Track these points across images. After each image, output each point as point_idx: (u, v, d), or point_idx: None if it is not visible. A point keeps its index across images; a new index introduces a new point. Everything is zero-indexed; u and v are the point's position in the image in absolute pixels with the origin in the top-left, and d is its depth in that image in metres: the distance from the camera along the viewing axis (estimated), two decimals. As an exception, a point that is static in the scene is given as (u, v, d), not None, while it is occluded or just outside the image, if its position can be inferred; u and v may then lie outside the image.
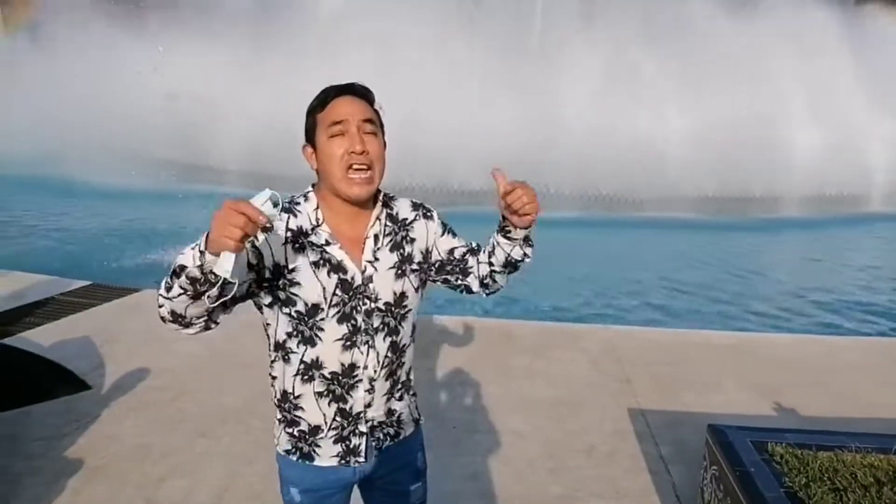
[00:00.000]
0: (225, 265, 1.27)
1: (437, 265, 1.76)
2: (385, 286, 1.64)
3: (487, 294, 1.80)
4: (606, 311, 6.37)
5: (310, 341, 1.61)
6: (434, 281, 1.80)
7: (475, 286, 1.77)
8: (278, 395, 1.69)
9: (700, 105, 11.51)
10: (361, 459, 1.70)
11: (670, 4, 13.69)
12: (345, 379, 1.64)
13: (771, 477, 2.26)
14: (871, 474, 2.24)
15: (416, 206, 1.75)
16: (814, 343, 5.32)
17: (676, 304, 6.68)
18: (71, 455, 3.32)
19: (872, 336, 5.87)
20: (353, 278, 1.60)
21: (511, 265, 1.70)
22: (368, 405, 1.68)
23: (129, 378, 4.13)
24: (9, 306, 5.22)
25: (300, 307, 1.58)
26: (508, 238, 1.65)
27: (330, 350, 1.61)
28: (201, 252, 1.30)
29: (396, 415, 1.76)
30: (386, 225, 1.68)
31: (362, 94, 1.63)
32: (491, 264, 1.72)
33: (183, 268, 1.32)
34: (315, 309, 1.58)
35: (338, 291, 1.59)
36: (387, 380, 1.69)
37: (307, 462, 1.70)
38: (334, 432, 1.67)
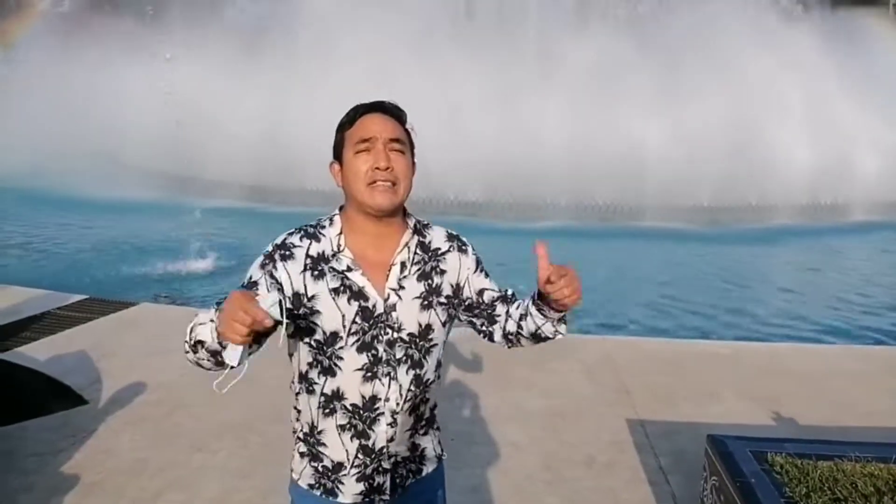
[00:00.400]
0: (232, 355, 1.32)
1: (466, 303, 1.68)
2: (409, 316, 1.57)
3: (509, 348, 1.74)
4: (603, 321, 6.37)
5: (329, 371, 1.57)
6: (461, 320, 1.73)
7: (497, 337, 1.70)
8: (305, 429, 1.65)
9: (694, 114, 11.57)
10: (386, 497, 1.64)
11: (664, 15, 13.82)
12: (366, 412, 1.58)
13: (771, 487, 2.26)
14: (871, 483, 2.24)
15: (451, 238, 1.69)
16: (811, 352, 5.33)
17: (673, 314, 6.69)
18: (67, 470, 3.29)
19: (870, 345, 5.87)
20: (374, 306, 1.54)
21: (539, 338, 1.63)
22: (391, 440, 1.62)
23: (126, 392, 4.12)
24: (5, 321, 5.20)
25: (318, 336, 1.54)
26: (542, 314, 1.57)
27: (350, 380, 1.56)
28: (218, 332, 1.33)
29: (420, 450, 1.70)
30: (415, 253, 1.61)
31: (393, 112, 1.60)
32: (519, 327, 1.64)
33: (202, 342, 1.38)
34: (334, 337, 1.54)
35: (357, 319, 1.53)
36: (410, 414, 1.63)
37: (330, 498, 1.64)
38: (357, 470, 1.62)
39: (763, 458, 2.43)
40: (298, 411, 1.66)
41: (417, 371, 1.61)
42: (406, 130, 1.61)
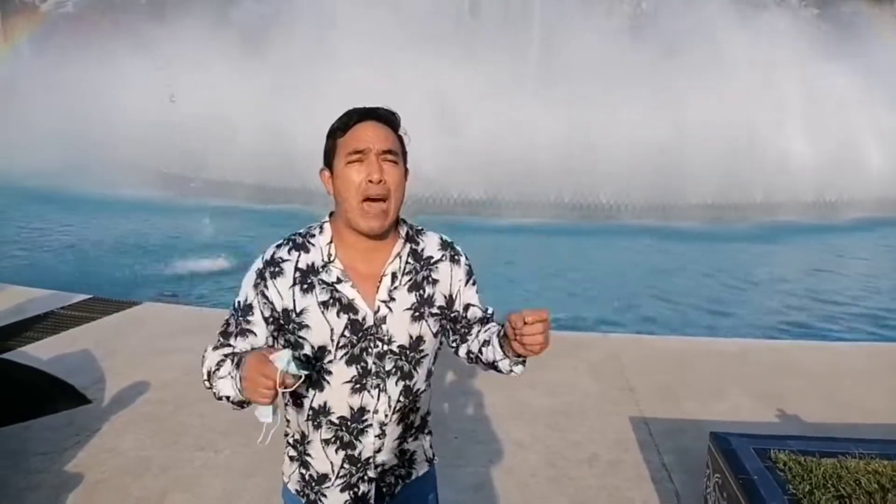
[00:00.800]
0: (265, 413, 1.38)
1: (453, 315, 1.66)
2: (400, 328, 1.55)
3: (467, 363, 1.71)
4: (608, 319, 6.36)
5: (318, 385, 1.54)
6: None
7: (461, 352, 1.69)
8: (296, 436, 1.65)
9: (698, 112, 11.54)
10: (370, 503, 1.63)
11: (666, 12, 13.79)
12: (353, 424, 1.56)
13: (774, 484, 2.25)
14: (875, 480, 2.23)
15: (444, 246, 1.65)
16: (816, 349, 5.30)
17: (678, 312, 6.67)
18: (71, 469, 3.30)
19: (875, 342, 5.85)
20: (364, 318, 1.52)
21: (495, 369, 1.60)
22: (378, 450, 1.60)
23: (130, 391, 4.12)
24: (9, 321, 5.22)
25: (307, 350, 1.52)
26: (503, 351, 1.54)
27: (338, 393, 1.54)
28: (240, 390, 1.40)
29: (408, 455, 1.68)
30: (407, 262, 1.58)
31: (386, 119, 1.55)
32: (480, 352, 1.62)
33: (227, 397, 1.48)
34: (322, 351, 1.52)
35: (346, 332, 1.51)
36: (399, 424, 1.61)
37: None
38: (342, 480, 1.60)
39: (766, 455, 2.42)
40: (288, 421, 1.66)
41: (407, 382, 1.59)
42: (399, 137, 1.57)
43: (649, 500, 3.16)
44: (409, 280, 1.57)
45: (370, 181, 1.47)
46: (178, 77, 10.99)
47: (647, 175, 10.56)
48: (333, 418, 1.56)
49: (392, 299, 1.54)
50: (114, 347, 4.79)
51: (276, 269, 1.53)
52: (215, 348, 1.57)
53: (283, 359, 1.30)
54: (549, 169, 10.61)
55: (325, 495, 1.61)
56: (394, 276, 1.55)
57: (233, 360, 1.45)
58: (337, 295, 1.51)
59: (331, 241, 1.55)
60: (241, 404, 1.48)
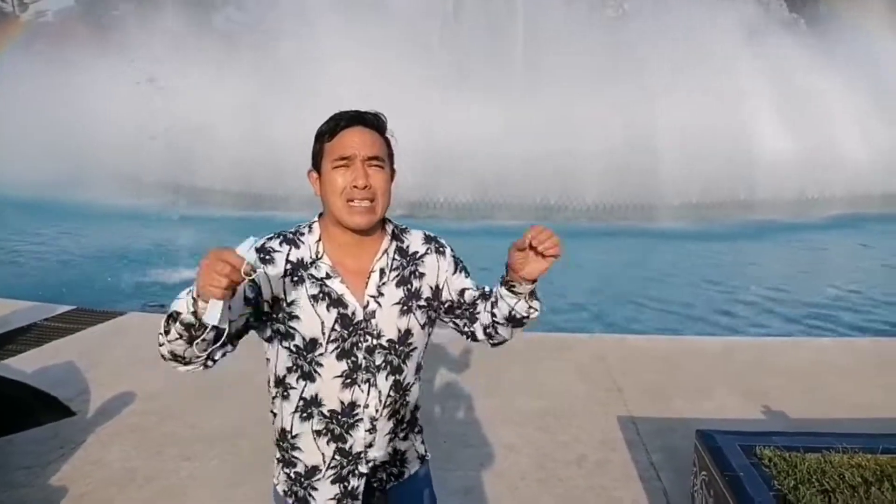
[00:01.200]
0: (213, 312, 1.29)
1: (446, 305, 1.69)
2: (389, 323, 1.58)
3: (492, 345, 1.72)
4: (594, 320, 6.38)
5: (309, 377, 1.57)
6: (444, 322, 1.73)
7: (479, 334, 1.70)
8: (277, 434, 1.66)
9: (681, 113, 11.63)
10: (358, 502, 1.63)
11: (650, 14, 13.91)
12: (344, 418, 1.58)
13: (760, 480, 2.27)
14: (858, 474, 2.25)
15: (428, 240, 1.69)
16: (800, 346, 5.36)
17: (664, 311, 6.71)
18: (56, 483, 3.26)
19: (857, 337, 5.92)
20: (353, 313, 1.55)
21: (515, 320, 1.61)
22: (370, 445, 1.62)
23: (115, 402, 4.08)
24: (-9, 333, 5.16)
25: (298, 341, 1.55)
26: (513, 291, 1.56)
27: (329, 387, 1.56)
28: (193, 299, 1.31)
29: (400, 454, 1.69)
30: (394, 259, 1.62)
31: (373, 124, 1.58)
32: (493, 315, 1.63)
33: (178, 314, 1.33)
34: (313, 344, 1.54)
35: (336, 327, 1.54)
36: (389, 419, 1.63)
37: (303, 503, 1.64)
38: (332, 472, 1.61)
39: (751, 451, 2.44)
40: (274, 415, 1.66)
41: (397, 377, 1.61)
42: (386, 140, 1.60)
43: (638, 499, 3.17)
44: (397, 275, 1.61)
45: (355, 186, 1.51)
46: (160, 84, 10.92)
47: (631, 176, 10.63)
48: (325, 410, 1.58)
49: (381, 294, 1.58)
50: (98, 358, 4.75)
51: (268, 256, 1.55)
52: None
53: (245, 244, 1.31)
54: (535, 171, 10.65)
55: (315, 488, 1.62)
56: (382, 271, 1.59)
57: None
58: (326, 289, 1.55)
59: (319, 240, 1.59)
60: (189, 329, 1.32)
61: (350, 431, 1.59)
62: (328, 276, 1.55)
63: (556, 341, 5.12)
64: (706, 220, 10.85)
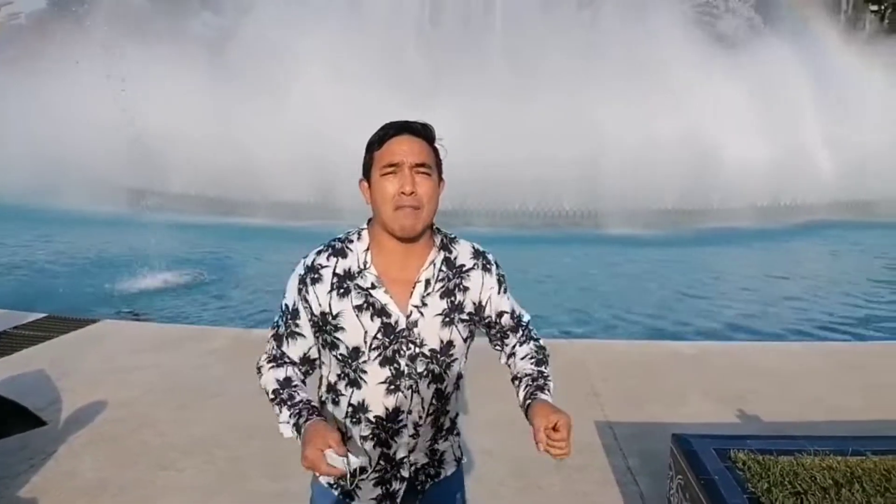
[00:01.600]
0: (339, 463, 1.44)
1: (486, 321, 1.75)
2: (431, 333, 1.62)
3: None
4: (572, 325, 6.43)
5: (355, 384, 1.63)
6: (482, 331, 1.80)
7: (502, 360, 1.84)
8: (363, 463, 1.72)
9: (657, 121, 11.80)
10: (399, 501, 1.70)
11: (626, 23, 14.08)
12: (389, 423, 1.64)
13: (734, 484, 2.30)
14: (829, 476, 2.29)
15: (476, 255, 1.73)
16: (774, 350, 5.45)
17: (640, 316, 6.77)
18: (25, 495, 3.20)
19: (826, 341, 6.03)
20: (396, 322, 1.60)
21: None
22: (412, 450, 1.68)
23: (88, 411, 4.01)
24: (-41, 342, 5.04)
25: (343, 350, 1.61)
26: (525, 413, 1.68)
27: (374, 393, 1.62)
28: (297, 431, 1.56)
29: (439, 454, 1.75)
30: (440, 270, 1.65)
31: (421, 133, 1.61)
32: (512, 381, 1.79)
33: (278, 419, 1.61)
34: (356, 352, 1.60)
35: (379, 335, 1.59)
36: (432, 426, 1.70)
37: (347, 500, 1.71)
38: (377, 475, 1.68)
39: (726, 455, 2.47)
40: (325, 419, 1.71)
41: (438, 385, 1.67)
42: (434, 149, 1.64)
43: (615, 504, 3.19)
44: (442, 287, 1.65)
45: (403, 193, 1.55)
46: (136, 89, 10.78)
47: (609, 183, 10.73)
48: (371, 416, 1.64)
49: (424, 304, 1.62)
50: (71, 367, 4.66)
51: (316, 275, 1.63)
52: (269, 361, 1.69)
53: (347, 461, 1.42)
54: (514, 177, 10.71)
55: (359, 487, 1.68)
56: (427, 282, 1.63)
57: (289, 408, 1.59)
58: (371, 300, 1.60)
59: (367, 249, 1.63)
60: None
61: (395, 437, 1.66)
62: (373, 286, 1.60)
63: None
64: (681, 227, 10.99)
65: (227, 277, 7.90)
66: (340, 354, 1.62)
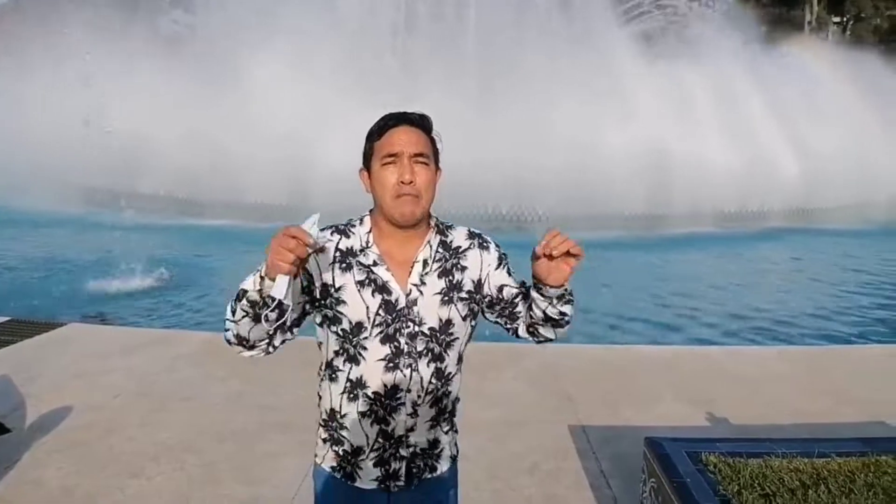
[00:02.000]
0: (280, 288, 1.40)
1: (487, 300, 1.75)
2: (430, 311, 1.66)
3: (537, 342, 1.79)
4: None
5: (354, 360, 1.66)
6: (488, 318, 1.80)
7: (522, 331, 1.78)
8: (325, 415, 1.74)
9: (630, 127, 11.97)
10: (401, 483, 1.71)
11: (603, 30, 14.29)
12: (387, 400, 1.66)
13: (706, 486, 2.34)
14: (796, 478, 2.35)
15: (472, 236, 1.77)
16: (743, 354, 5.57)
17: (612, 321, 6.85)
18: (-11, 504, 3.11)
19: (792, 346, 6.18)
20: (397, 300, 1.64)
21: (553, 321, 1.69)
22: (411, 429, 1.69)
23: (54, 417, 3.91)
24: (-83, 346, 4.88)
25: (345, 325, 1.64)
26: (543, 295, 1.64)
27: (373, 370, 1.65)
28: (261, 277, 1.43)
29: (438, 447, 1.77)
30: (437, 251, 1.70)
31: (419, 123, 1.68)
32: (531, 317, 1.71)
33: (245, 292, 1.47)
34: (359, 327, 1.64)
35: (381, 312, 1.64)
36: (431, 407, 1.71)
37: (349, 482, 1.72)
38: (375, 454, 1.70)
39: (697, 458, 2.51)
40: (320, 397, 1.75)
41: (438, 364, 1.69)
42: (431, 139, 1.70)
43: (588, 507, 3.22)
44: (439, 267, 1.70)
45: (402, 182, 1.61)
46: (102, 88, 10.59)
47: (580, 188, 10.84)
48: (369, 392, 1.66)
49: (423, 283, 1.67)
50: (36, 371, 4.55)
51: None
52: None
53: (309, 220, 1.40)
54: (487, 181, 10.75)
55: (360, 467, 1.71)
56: (425, 262, 1.68)
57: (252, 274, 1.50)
58: (373, 276, 1.65)
59: (369, 231, 1.69)
60: (254, 306, 1.46)
61: (392, 414, 1.67)
62: (375, 264, 1.65)
63: (508, 350, 5.16)
64: (652, 232, 11.16)
65: (197, 280, 7.79)
66: (342, 329, 1.64)
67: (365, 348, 1.65)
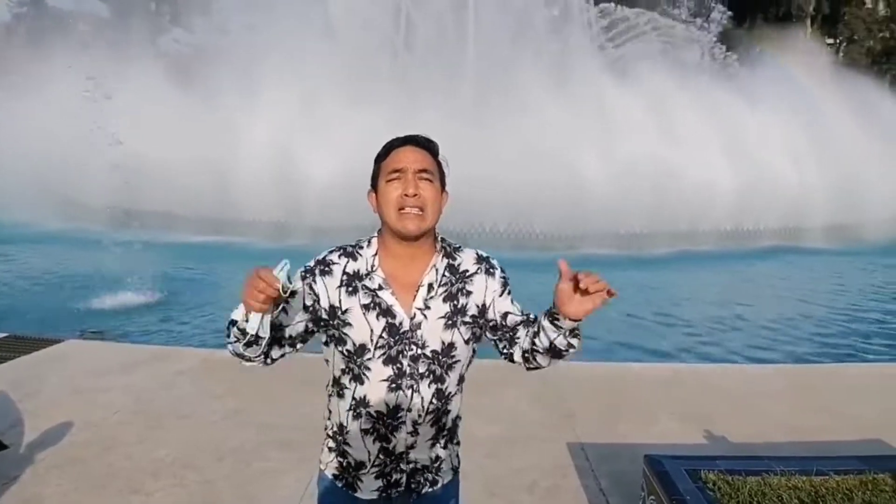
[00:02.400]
0: (253, 323, 1.52)
1: (490, 324, 1.79)
2: (433, 335, 1.70)
3: (528, 369, 1.82)
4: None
5: (358, 379, 1.71)
6: (486, 337, 1.83)
7: (517, 357, 1.80)
8: (335, 428, 1.79)
9: (625, 145, 12.07)
10: (402, 489, 1.76)
11: (598, 49, 14.45)
12: (389, 419, 1.71)
13: (705, 503, 2.36)
14: (795, 496, 2.37)
15: (479, 260, 1.80)
16: (738, 372, 5.58)
17: (610, 339, 6.86)
18: (-13, 521, 3.10)
19: (787, 364, 6.20)
20: (401, 323, 1.68)
21: (554, 352, 1.70)
22: (411, 447, 1.74)
23: (52, 434, 3.90)
24: (-85, 362, 4.88)
25: (349, 346, 1.69)
26: (555, 325, 1.66)
27: (376, 389, 1.69)
28: (243, 302, 1.53)
29: (439, 462, 1.80)
30: (443, 275, 1.73)
31: (424, 145, 1.73)
32: (534, 344, 1.72)
33: (234, 321, 1.57)
34: (362, 349, 1.68)
35: (384, 335, 1.68)
36: (432, 426, 1.75)
37: (350, 491, 1.77)
38: (377, 469, 1.75)
39: (697, 475, 2.53)
40: (330, 412, 1.79)
41: (439, 385, 1.73)
42: (437, 162, 1.74)
43: (588, 525, 3.22)
44: (445, 291, 1.73)
45: (406, 195, 1.65)
46: (103, 106, 10.65)
47: (579, 206, 10.91)
48: (372, 411, 1.71)
49: (427, 307, 1.70)
50: (34, 388, 4.54)
51: (327, 268, 1.72)
52: None
53: (278, 266, 1.48)
54: (485, 199, 10.79)
55: (361, 480, 1.77)
56: (430, 286, 1.71)
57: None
58: (377, 300, 1.69)
59: (375, 254, 1.73)
60: (243, 334, 1.56)
61: (394, 433, 1.72)
62: (380, 288, 1.69)
63: (507, 367, 5.12)
64: (649, 249, 11.21)
65: (195, 297, 7.80)
66: (346, 350, 1.69)
67: (369, 368, 1.69)
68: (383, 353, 1.68)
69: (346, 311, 1.68)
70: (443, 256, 1.75)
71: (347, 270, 1.71)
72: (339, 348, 1.71)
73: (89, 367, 5.03)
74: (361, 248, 1.75)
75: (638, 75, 13.54)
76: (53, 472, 3.52)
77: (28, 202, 11.12)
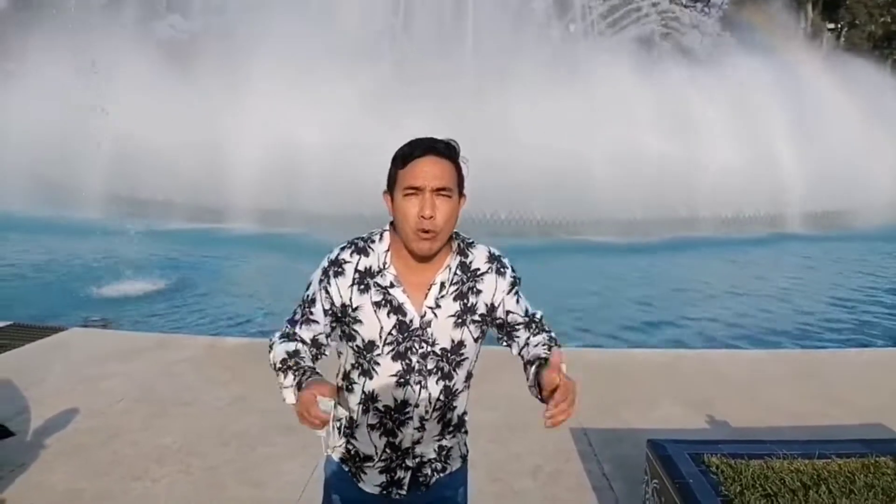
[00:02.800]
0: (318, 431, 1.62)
1: (498, 321, 1.82)
2: (443, 333, 1.71)
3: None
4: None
5: (368, 374, 1.73)
6: (493, 333, 1.86)
7: (514, 351, 1.86)
8: (346, 421, 1.81)
9: (628, 133, 12.03)
10: (403, 492, 1.78)
11: (596, 36, 14.37)
12: (396, 414, 1.73)
13: (708, 487, 2.38)
14: (797, 479, 2.39)
15: (491, 259, 1.80)
16: (740, 357, 5.60)
17: (612, 325, 6.89)
18: (-6, 508, 3.12)
19: (791, 349, 6.22)
20: (411, 321, 1.69)
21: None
22: (417, 442, 1.76)
23: (58, 421, 3.93)
24: (-81, 351, 4.89)
25: (359, 342, 1.71)
26: (538, 386, 1.73)
27: (384, 385, 1.71)
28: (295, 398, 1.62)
29: (446, 450, 1.83)
30: (455, 273, 1.74)
31: (445, 153, 1.68)
32: (524, 367, 1.81)
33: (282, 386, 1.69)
34: (371, 345, 1.70)
35: (394, 332, 1.69)
36: (438, 422, 1.77)
37: (354, 479, 1.80)
38: (383, 463, 1.77)
39: (700, 459, 2.55)
40: (340, 405, 1.79)
41: (447, 382, 1.75)
42: (457, 166, 1.71)
43: (591, 509, 3.25)
44: (456, 290, 1.74)
45: (422, 216, 1.63)
46: (102, 93, 10.59)
47: (579, 192, 10.89)
48: (380, 406, 1.73)
49: (438, 306, 1.71)
50: (38, 376, 4.56)
51: (339, 269, 1.72)
52: (281, 337, 1.76)
53: (323, 404, 1.51)
54: (484, 185, 10.75)
55: (365, 472, 1.80)
56: (442, 285, 1.72)
57: (294, 373, 1.65)
58: (389, 297, 1.70)
59: (388, 250, 1.73)
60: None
61: (400, 428, 1.74)
62: (392, 286, 1.70)
63: (509, 354, 5.17)
64: (650, 236, 11.20)
65: (198, 284, 7.80)
66: (356, 346, 1.71)
67: (378, 364, 1.71)
68: (392, 350, 1.69)
69: (357, 308, 1.70)
70: (456, 255, 1.76)
71: (359, 268, 1.71)
72: (350, 343, 1.73)
73: (93, 355, 5.05)
74: (373, 241, 1.74)
75: (639, 61, 13.47)
76: (60, 460, 3.54)
77: (28, 191, 11.09)
